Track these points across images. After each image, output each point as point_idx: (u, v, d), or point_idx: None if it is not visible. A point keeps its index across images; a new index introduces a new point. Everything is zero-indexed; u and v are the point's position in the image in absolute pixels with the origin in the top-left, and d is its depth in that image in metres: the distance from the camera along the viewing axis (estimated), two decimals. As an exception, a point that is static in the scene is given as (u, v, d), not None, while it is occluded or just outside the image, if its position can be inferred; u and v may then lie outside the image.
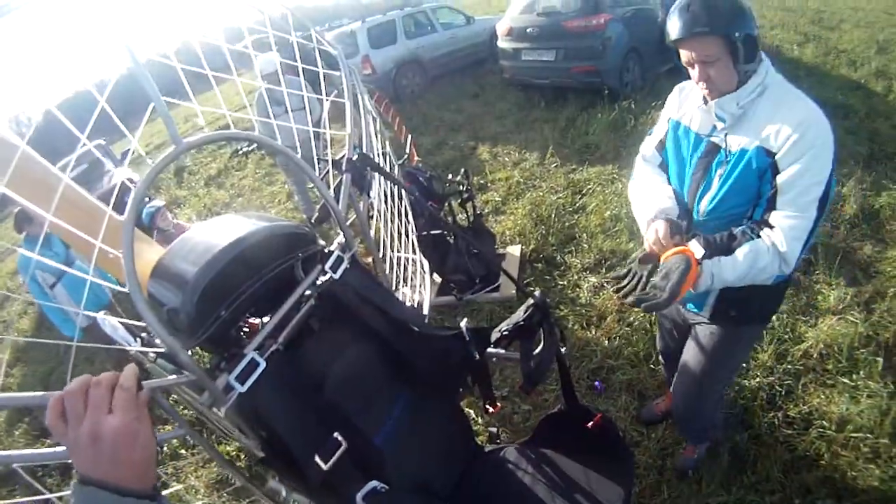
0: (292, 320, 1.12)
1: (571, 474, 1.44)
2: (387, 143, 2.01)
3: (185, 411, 2.49)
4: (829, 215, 3.84)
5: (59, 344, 4.24)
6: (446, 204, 3.74)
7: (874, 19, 8.95)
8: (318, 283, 1.17)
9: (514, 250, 4.15)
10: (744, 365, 2.70)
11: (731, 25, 1.37)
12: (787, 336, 2.86)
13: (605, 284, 3.56)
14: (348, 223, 1.29)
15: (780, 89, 1.45)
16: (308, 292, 1.16)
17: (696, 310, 1.80)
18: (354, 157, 1.27)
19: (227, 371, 1.01)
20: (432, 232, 3.34)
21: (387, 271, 1.59)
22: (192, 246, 1.08)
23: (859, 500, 2.09)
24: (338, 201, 1.26)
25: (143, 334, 1.16)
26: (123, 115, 1.02)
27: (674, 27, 1.43)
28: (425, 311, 1.66)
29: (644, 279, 1.49)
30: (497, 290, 3.61)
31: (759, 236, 1.39)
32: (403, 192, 1.96)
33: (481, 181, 5.57)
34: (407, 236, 1.84)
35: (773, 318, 2.91)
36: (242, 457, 2.97)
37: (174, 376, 1.01)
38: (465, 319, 1.36)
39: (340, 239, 1.24)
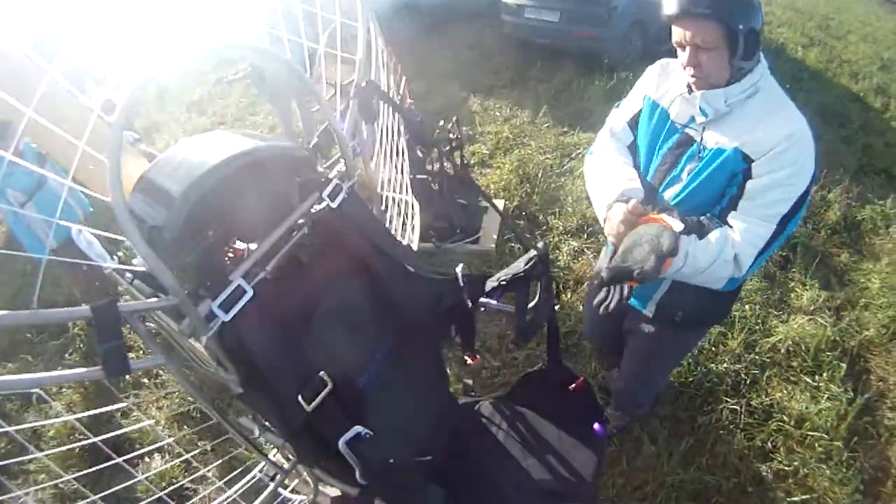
0: (282, 249, 1.05)
1: (546, 435, 1.45)
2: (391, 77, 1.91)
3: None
4: (811, 218, 3.92)
5: (27, 264, 4.08)
6: (434, 150, 3.67)
7: (881, 36, 8.97)
8: (313, 211, 1.10)
9: (498, 204, 4.10)
10: (713, 349, 2.77)
11: (736, 14, 1.23)
12: (757, 327, 2.93)
13: (584, 249, 3.56)
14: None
15: (773, 95, 1.35)
16: (301, 221, 1.09)
17: (639, 307, 1.69)
18: (364, 84, 1.19)
19: (211, 297, 0.94)
20: (419, 176, 3.27)
21: (381, 208, 1.52)
22: (181, 161, 1.00)
23: (808, 497, 2.17)
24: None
25: (119, 253, 1.08)
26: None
27: (673, 2, 1.26)
28: (412, 252, 1.61)
29: (626, 292, 1.36)
30: (477, 242, 3.59)
31: (721, 225, 1.34)
32: (402, 129, 1.88)
33: (470, 132, 5.45)
34: (402, 175, 1.77)
35: (747, 308, 2.98)
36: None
37: (153, 299, 0.95)
38: (462, 265, 1.32)
39: (341, 167, 1.16)
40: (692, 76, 1.32)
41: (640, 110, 1.53)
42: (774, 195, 1.28)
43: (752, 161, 1.28)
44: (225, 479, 1.61)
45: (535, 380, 1.53)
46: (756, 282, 3.23)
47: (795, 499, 2.17)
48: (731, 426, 2.42)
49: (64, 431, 2.76)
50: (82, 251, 1.09)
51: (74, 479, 1.33)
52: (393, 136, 1.61)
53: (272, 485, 1.32)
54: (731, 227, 1.32)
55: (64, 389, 3.00)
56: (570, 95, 6.07)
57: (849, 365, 2.73)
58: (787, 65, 7.02)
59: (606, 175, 1.49)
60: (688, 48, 1.29)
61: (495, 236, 3.70)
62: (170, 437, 2.62)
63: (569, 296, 3.22)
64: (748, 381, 2.63)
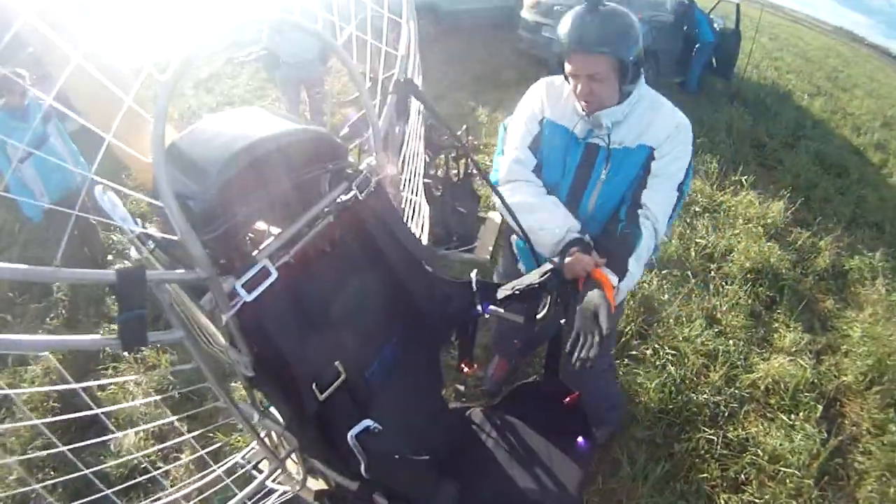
0: (307, 235, 1.05)
1: (534, 446, 1.46)
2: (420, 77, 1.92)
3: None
4: (800, 263, 4.02)
5: (15, 223, 4.03)
6: (441, 155, 3.69)
7: (887, 93, 9.22)
8: (341, 200, 1.10)
9: (496, 217, 4.10)
10: (695, 379, 2.83)
11: (625, 48, 1.39)
12: (739, 363, 2.98)
13: None
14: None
15: (653, 98, 1.57)
16: (327, 209, 1.09)
17: None
18: (403, 80, 1.20)
19: (235, 275, 0.93)
20: (424, 180, 3.29)
21: (401, 206, 1.53)
22: (216, 133, 0.98)
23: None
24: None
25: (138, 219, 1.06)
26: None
27: (570, 36, 1.39)
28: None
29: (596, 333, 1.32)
30: (472, 252, 3.61)
31: (639, 227, 1.52)
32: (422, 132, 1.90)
33: (475, 142, 5.49)
34: (417, 177, 1.78)
35: (731, 343, 3.05)
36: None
37: (180, 270, 0.93)
38: (475, 271, 1.33)
39: (371, 160, 1.17)
40: (584, 102, 1.49)
41: (540, 132, 1.63)
42: (673, 168, 1.53)
43: (655, 149, 1.53)
44: (201, 453, 1.60)
45: (528, 391, 1.54)
46: (742, 319, 3.31)
47: (764, 533, 2.20)
48: (707, 455, 2.45)
49: (38, 397, 2.71)
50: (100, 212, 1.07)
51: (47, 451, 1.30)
52: (418, 137, 1.63)
53: (265, 472, 1.31)
54: (642, 205, 1.53)
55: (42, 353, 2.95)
56: (578, 116, 6.12)
57: (825, 407, 2.79)
58: (791, 111, 7.18)
59: (538, 211, 1.55)
60: (582, 79, 1.44)
61: (491, 248, 3.71)
62: (146, 399, 2.58)
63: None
64: (726, 414, 2.67)
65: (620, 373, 2.78)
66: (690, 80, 7.12)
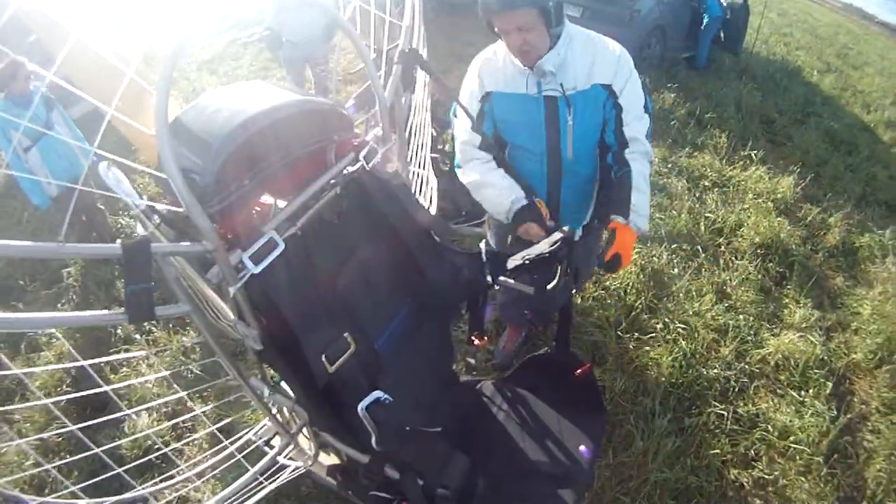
0: (313, 207, 1.04)
1: (545, 419, 1.46)
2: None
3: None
4: (810, 239, 4.01)
5: (24, 211, 4.03)
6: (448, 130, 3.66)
7: (897, 72, 9.03)
8: (347, 171, 1.09)
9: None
10: (706, 354, 2.83)
11: None
12: (749, 338, 2.96)
13: None
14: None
15: (585, 36, 1.67)
16: (333, 181, 1.08)
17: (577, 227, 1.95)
18: (407, 51, 1.18)
19: (242, 248, 0.93)
20: (431, 155, 3.27)
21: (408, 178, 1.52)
22: (218, 107, 0.97)
23: (785, 509, 2.22)
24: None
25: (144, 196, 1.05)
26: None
27: (492, 1, 1.49)
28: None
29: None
30: (480, 226, 3.60)
31: (628, 164, 1.66)
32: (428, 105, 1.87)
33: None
34: (422, 150, 1.77)
35: (741, 318, 3.04)
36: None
37: (186, 243, 0.92)
38: (484, 241, 1.32)
39: (378, 131, 1.16)
40: (522, 54, 1.57)
41: (486, 108, 1.72)
42: (636, 92, 1.68)
43: (610, 84, 1.65)
44: (212, 429, 1.60)
45: (539, 363, 1.54)
46: (752, 294, 3.28)
47: (773, 509, 2.21)
48: (717, 431, 2.45)
49: (51, 383, 2.74)
50: (105, 188, 1.06)
51: (58, 431, 1.31)
52: (423, 110, 1.61)
53: (275, 447, 1.31)
54: (628, 142, 1.67)
55: (54, 339, 2.98)
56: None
57: (834, 384, 2.77)
58: (801, 88, 7.07)
59: (488, 185, 1.71)
60: (513, 33, 1.52)
61: (498, 223, 3.71)
62: (158, 374, 2.59)
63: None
64: (737, 389, 2.66)
65: (631, 347, 2.79)
66: (699, 55, 6.99)
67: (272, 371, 1.27)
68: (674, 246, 3.58)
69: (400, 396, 1.15)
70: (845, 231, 4.13)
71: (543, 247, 1.27)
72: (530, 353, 1.58)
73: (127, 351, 2.94)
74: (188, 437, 2.37)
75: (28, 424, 2.53)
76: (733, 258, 3.64)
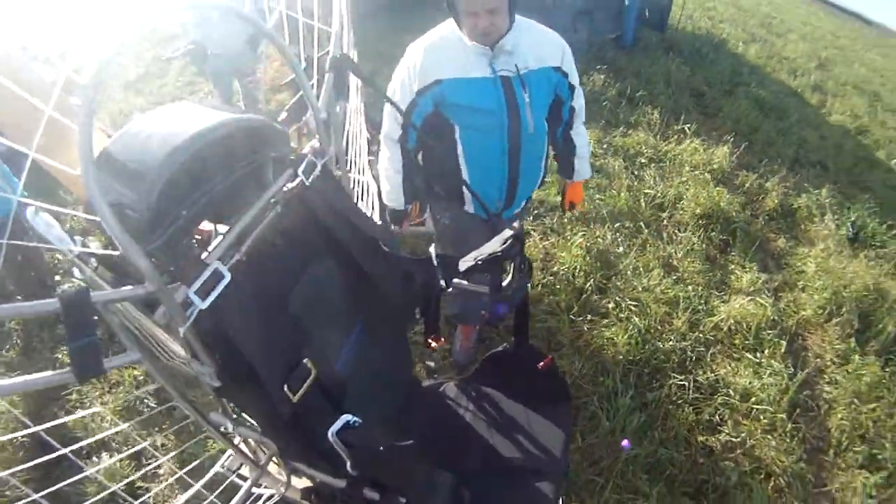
0: (256, 229, 1.01)
1: (513, 415, 1.47)
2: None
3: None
4: (749, 205, 4.17)
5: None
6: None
7: (820, 36, 9.51)
8: (287, 188, 1.06)
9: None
10: (659, 328, 2.91)
11: None
12: (700, 307, 3.07)
13: (531, 232, 3.58)
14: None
15: (527, 22, 1.81)
16: (273, 199, 1.05)
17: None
18: (339, 56, 1.16)
19: (186, 283, 0.88)
20: (369, 158, 3.24)
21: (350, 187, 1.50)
22: (148, 135, 0.91)
23: (756, 466, 2.32)
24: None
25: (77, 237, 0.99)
26: None
27: None
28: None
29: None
30: (423, 225, 3.58)
31: (573, 140, 2.05)
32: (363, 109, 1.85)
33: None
34: (359, 156, 1.75)
35: (690, 288, 3.15)
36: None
37: (127, 287, 0.86)
38: (434, 245, 1.32)
39: (314, 143, 1.13)
40: (485, 36, 1.67)
41: (429, 96, 1.77)
42: (576, 77, 1.92)
43: (560, 67, 1.84)
44: (179, 475, 1.55)
45: (501, 360, 1.55)
46: (698, 264, 3.40)
47: (744, 468, 2.31)
48: (680, 401, 2.54)
49: (-1, 426, 2.59)
50: (36, 235, 1.00)
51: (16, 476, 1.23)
52: (358, 114, 1.59)
53: (248, 481, 1.27)
54: (577, 110, 2.01)
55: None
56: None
57: (788, 343, 2.92)
58: (728, 59, 7.33)
59: (385, 181, 1.95)
60: (483, 15, 1.62)
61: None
62: (117, 428, 2.49)
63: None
64: (694, 359, 2.76)
65: (585, 329, 2.83)
66: (625, 34, 7.12)
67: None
68: (616, 225, 3.63)
69: (366, 414, 1.13)
70: (783, 194, 4.34)
71: (495, 245, 1.28)
72: (490, 351, 1.58)
73: (80, 391, 2.81)
74: (155, 474, 2.28)
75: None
76: (676, 231, 3.74)
